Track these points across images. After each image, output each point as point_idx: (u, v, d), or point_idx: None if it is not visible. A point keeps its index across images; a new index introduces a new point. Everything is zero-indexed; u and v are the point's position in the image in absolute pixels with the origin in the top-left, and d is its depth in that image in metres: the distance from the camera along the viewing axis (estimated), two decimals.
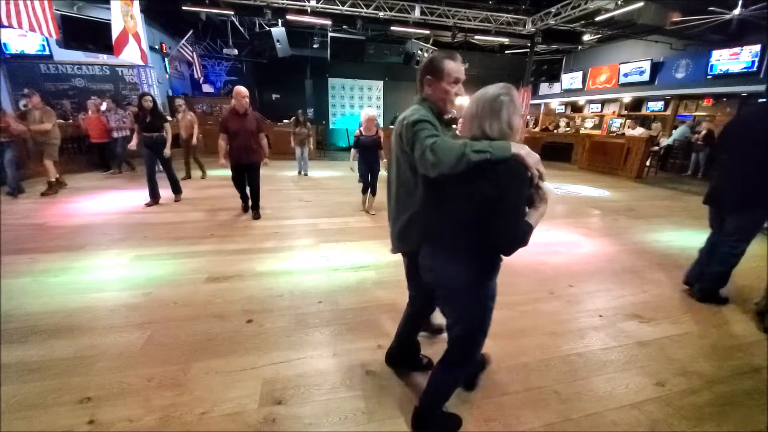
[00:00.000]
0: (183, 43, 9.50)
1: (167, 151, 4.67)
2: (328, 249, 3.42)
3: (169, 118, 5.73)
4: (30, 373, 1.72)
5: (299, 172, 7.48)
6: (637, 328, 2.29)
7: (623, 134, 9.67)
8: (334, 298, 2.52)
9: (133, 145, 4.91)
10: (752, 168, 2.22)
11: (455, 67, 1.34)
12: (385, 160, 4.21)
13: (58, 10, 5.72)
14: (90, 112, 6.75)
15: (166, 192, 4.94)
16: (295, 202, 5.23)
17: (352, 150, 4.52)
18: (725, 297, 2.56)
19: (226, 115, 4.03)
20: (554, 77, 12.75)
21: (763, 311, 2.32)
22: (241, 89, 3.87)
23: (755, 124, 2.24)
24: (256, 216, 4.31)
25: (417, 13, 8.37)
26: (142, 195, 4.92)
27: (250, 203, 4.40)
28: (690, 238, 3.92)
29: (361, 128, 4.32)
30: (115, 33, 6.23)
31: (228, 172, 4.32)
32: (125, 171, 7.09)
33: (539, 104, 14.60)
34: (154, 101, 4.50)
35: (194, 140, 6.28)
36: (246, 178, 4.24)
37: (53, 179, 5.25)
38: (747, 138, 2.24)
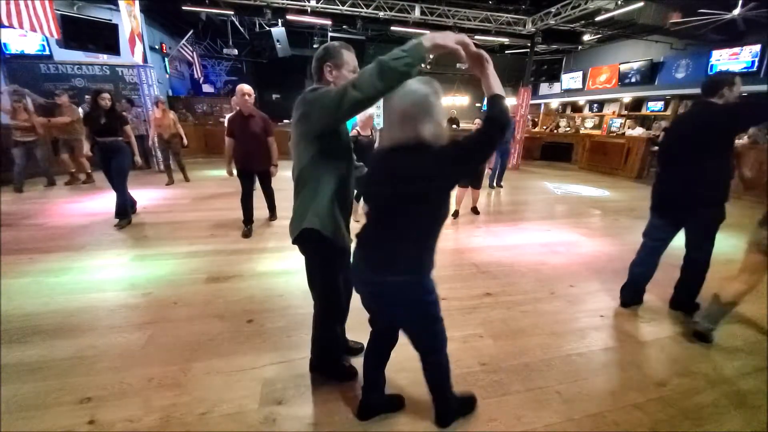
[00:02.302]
0: (183, 43, 9.49)
1: (138, 159, 4.15)
2: None
3: (131, 120, 5.12)
4: (30, 373, 1.72)
5: None
6: (639, 328, 2.29)
7: (623, 134, 9.67)
8: None
9: (86, 151, 3.94)
10: (704, 166, 2.11)
11: (353, 58, 1.40)
12: None
13: (58, 10, 5.69)
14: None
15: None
16: None
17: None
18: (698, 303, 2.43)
19: (232, 116, 3.63)
20: (554, 77, 12.71)
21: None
22: (243, 86, 3.37)
23: (698, 124, 2.13)
24: (273, 218, 4.24)
25: (417, 13, 8.36)
26: (141, 195, 4.92)
27: (253, 225, 3.88)
28: None
29: (357, 127, 3.81)
30: (126, 34, 6.30)
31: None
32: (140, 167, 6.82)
33: (539, 104, 14.57)
34: (113, 100, 3.77)
35: (185, 141, 6.07)
36: (255, 185, 3.84)
37: (73, 171, 5.97)
38: (693, 137, 2.14)
